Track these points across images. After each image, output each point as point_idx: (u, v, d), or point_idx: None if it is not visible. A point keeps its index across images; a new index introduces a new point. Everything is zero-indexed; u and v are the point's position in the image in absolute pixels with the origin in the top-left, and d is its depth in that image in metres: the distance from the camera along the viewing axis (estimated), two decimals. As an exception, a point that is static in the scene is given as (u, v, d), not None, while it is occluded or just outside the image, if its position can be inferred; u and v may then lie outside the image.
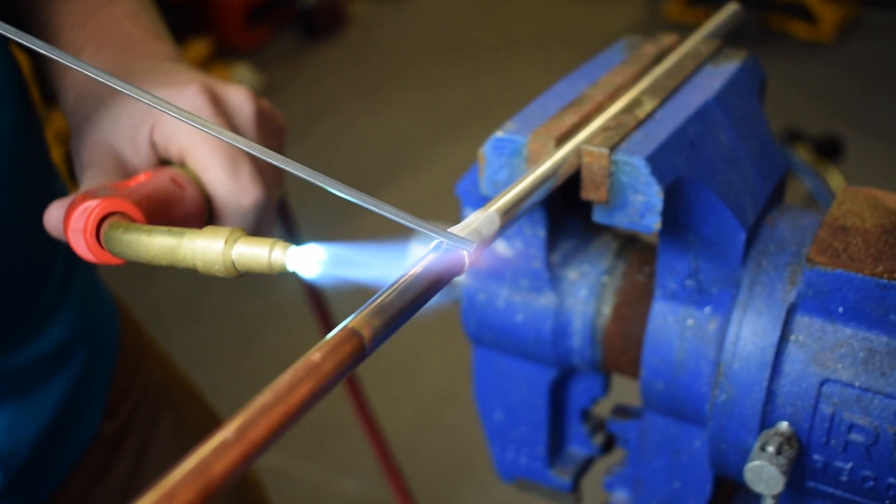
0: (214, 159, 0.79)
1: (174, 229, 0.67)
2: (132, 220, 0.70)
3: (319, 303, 1.25)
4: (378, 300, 0.48)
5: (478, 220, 0.55)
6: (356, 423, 1.42)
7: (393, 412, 2.95)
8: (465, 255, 0.52)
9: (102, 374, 1.10)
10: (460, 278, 0.82)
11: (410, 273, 0.50)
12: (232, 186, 0.80)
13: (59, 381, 1.01)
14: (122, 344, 1.15)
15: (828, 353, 0.68)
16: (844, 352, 0.67)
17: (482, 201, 0.76)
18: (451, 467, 2.88)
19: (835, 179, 2.88)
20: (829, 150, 3.03)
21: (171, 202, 0.75)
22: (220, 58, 5.14)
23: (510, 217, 0.57)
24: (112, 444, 1.11)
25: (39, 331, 0.98)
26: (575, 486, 0.89)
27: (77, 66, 0.57)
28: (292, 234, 1.14)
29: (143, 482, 1.14)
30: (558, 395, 0.87)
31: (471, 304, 0.82)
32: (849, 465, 0.68)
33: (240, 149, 0.80)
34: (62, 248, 1.01)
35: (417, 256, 0.81)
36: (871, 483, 0.68)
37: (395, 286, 0.49)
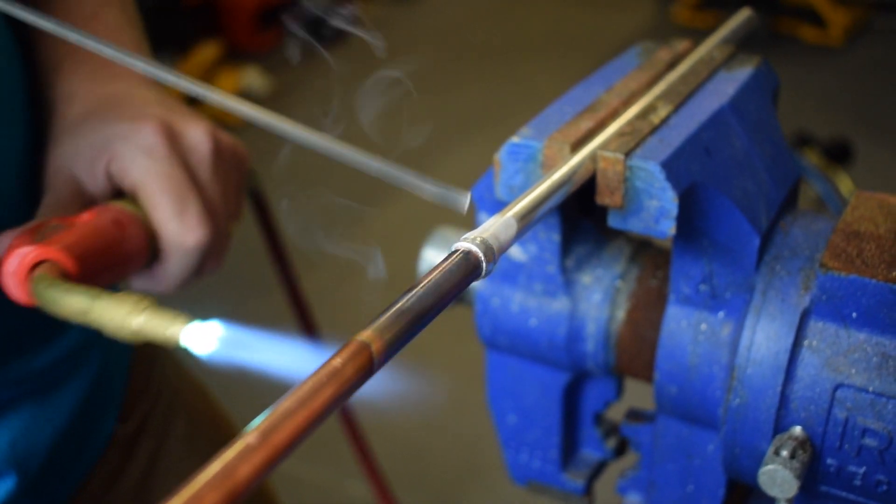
0: (163, 198, 0.82)
1: (92, 291, 0.69)
2: (63, 268, 0.73)
3: (303, 309, 1.26)
4: (397, 306, 0.49)
5: (495, 225, 0.55)
6: (365, 426, 1.43)
7: (401, 415, 2.96)
8: (483, 260, 0.52)
9: (117, 377, 1.11)
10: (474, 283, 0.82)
11: (429, 278, 0.51)
12: (177, 226, 0.82)
13: (75, 384, 1.01)
14: (136, 347, 1.16)
15: (841, 358, 0.68)
16: (858, 357, 0.67)
17: (497, 206, 0.76)
18: (458, 470, 2.89)
19: (844, 184, 2.88)
20: (839, 154, 3.03)
21: (107, 246, 0.78)
22: (229, 61, 5.15)
23: (527, 222, 0.58)
24: (127, 446, 1.12)
25: (57, 334, 0.98)
26: (588, 490, 0.90)
27: (77, 41, 0.58)
28: (269, 227, 1.14)
29: (157, 485, 1.15)
30: (571, 398, 0.87)
31: (484, 309, 0.83)
32: (862, 470, 0.69)
33: (189, 189, 0.83)
34: None
35: (432, 261, 0.81)
36: (884, 487, 0.68)
37: (414, 292, 0.50)
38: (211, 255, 0.87)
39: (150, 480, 1.15)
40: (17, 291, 0.73)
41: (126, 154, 0.83)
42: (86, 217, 0.79)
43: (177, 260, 0.85)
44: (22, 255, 0.72)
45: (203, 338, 0.61)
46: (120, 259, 0.79)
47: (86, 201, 0.84)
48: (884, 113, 4.62)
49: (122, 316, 0.66)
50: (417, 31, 5.95)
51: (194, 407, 1.26)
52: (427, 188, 0.53)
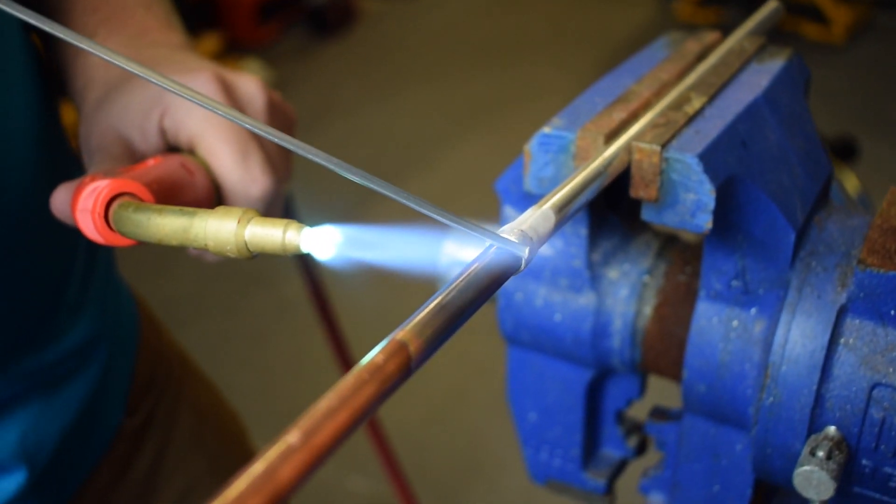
0: (224, 147, 0.78)
1: (186, 209, 0.65)
2: (141, 201, 0.68)
3: (322, 300, 1.25)
4: (436, 301, 0.47)
5: (533, 216, 0.53)
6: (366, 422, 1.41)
7: (404, 410, 2.94)
8: (525, 252, 0.51)
9: (124, 370, 1.09)
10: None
11: (468, 272, 0.49)
12: (241, 174, 0.79)
13: (83, 378, 1.00)
14: (142, 339, 1.14)
15: (879, 357, 0.66)
16: (896, 355, 0.66)
17: (524, 199, 0.75)
18: (460, 466, 2.87)
19: (850, 182, 2.86)
20: (845, 151, 3.01)
21: (180, 187, 0.74)
22: (230, 53, 5.13)
23: (564, 215, 0.56)
24: (134, 440, 1.11)
25: (66, 327, 0.97)
26: (609, 489, 0.88)
27: (93, 49, 0.56)
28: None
29: (164, 478, 1.14)
30: (594, 396, 0.85)
31: (508, 304, 0.81)
32: (898, 471, 0.67)
33: (250, 137, 0.79)
34: (82, 241, 1.00)
35: (453, 254, 0.79)
36: (921, 490, 0.67)
37: (453, 286, 0.48)
38: (271, 211, 0.83)
39: (157, 473, 1.14)
40: (95, 227, 0.68)
41: (181, 106, 0.78)
42: (151, 162, 0.75)
43: None
44: (97, 189, 0.68)
45: (322, 241, 0.57)
46: (190, 203, 0.73)
47: (137, 160, 0.79)
48: (887, 110, 4.61)
49: (233, 227, 0.62)
50: (416, 25, 5.93)
51: (199, 400, 1.25)
52: (485, 236, 0.51)
